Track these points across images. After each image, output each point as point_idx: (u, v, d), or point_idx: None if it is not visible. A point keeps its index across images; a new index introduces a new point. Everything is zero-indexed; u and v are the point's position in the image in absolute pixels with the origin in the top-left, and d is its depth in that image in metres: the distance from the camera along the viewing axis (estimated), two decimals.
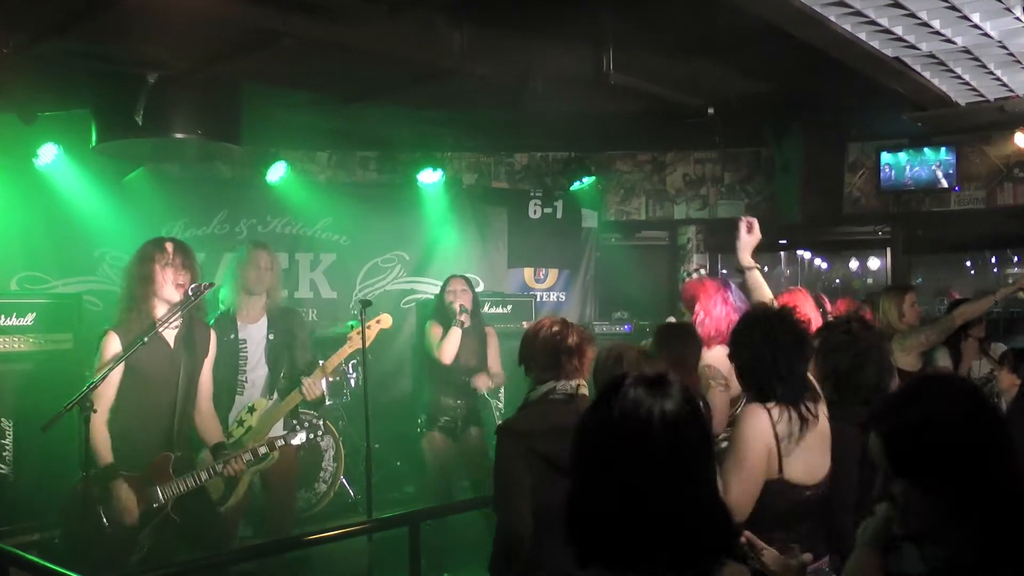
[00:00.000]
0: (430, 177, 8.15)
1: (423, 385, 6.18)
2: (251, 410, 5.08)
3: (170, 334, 4.39)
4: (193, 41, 4.91)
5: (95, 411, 4.04)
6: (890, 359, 3.89)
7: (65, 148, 6.66)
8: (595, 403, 1.89)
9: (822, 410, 3.20)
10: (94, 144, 5.76)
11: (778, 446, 3.01)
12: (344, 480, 6.77)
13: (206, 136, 5.71)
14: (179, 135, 5.62)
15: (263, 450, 4.58)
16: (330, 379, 6.88)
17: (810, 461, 3.08)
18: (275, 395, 5.31)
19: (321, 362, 5.44)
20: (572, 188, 8.77)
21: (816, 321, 4.57)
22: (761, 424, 3.03)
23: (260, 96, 6.09)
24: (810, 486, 3.08)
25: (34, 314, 6.06)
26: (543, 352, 3.49)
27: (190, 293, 4.31)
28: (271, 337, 5.34)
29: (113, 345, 4.26)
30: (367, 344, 5.24)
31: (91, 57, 5.17)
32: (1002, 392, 4.99)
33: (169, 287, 4.33)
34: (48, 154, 6.68)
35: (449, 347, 5.86)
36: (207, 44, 4.96)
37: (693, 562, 1.72)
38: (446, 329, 5.93)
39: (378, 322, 5.44)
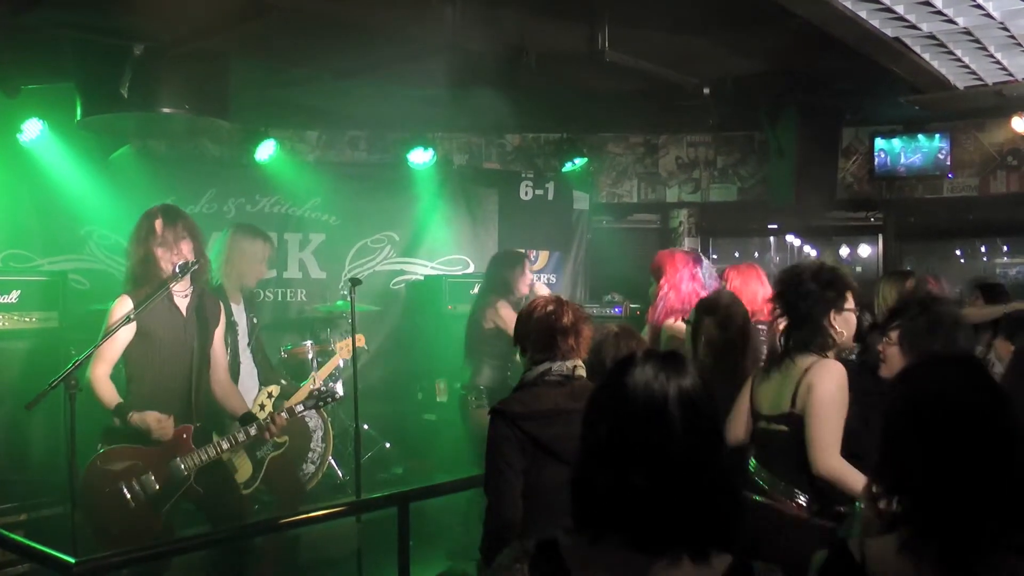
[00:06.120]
0: (420, 157, 8.07)
1: (470, 360, 6.00)
2: (269, 395, 5.09)
3: (182, 303, 4.37)
4: (179, 11, 4.82)
5: (79, 389, 3.99)
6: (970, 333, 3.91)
7: (50, 124, 6.55)
8: (604, 379, 1.90)
9: (809, 360, 3.39)
10: (79, 118, 5.64)
11: (755, 377, 3.60)
12: (333, 460, 6.73)
13: (194, 111, 5.59)
14: (166, 109, 5.50)
15: (285, 416, 4.59)
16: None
17: (768, 393, 3.48)
18: (257, 382, 5.42)
19: (314, 373, 5.92)
20: (564, 170, 8.69)
21: (765, 293, 5.03)
22: None
23: (249, 72, 5.99)
24: (764, 415, 3.48)
25: (18, 292, 5.99)
26: (537, 332, 3.45)
27: (177, 270, 4.27)
28: (254, 320, 5.48)
29: (124, 307, 4.23)
30: (346, 356, 5.39)
31: (75, 27, 5.08)
32: (1000, 359, 5.00)
33: (167, 265, 4.32)
34: (33, 130, 6.57)
35: None
36: (194, 14, 4.86)
37: (682, 542, 1.72)
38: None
39: (359, 342, 5.91)
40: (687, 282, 5.16)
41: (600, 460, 1.78)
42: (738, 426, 3.60)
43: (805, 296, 3.43)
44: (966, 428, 1.82)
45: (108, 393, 4.19)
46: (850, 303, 3.50)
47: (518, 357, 3.59)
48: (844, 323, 3.47)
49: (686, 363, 1.84)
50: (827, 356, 3.43)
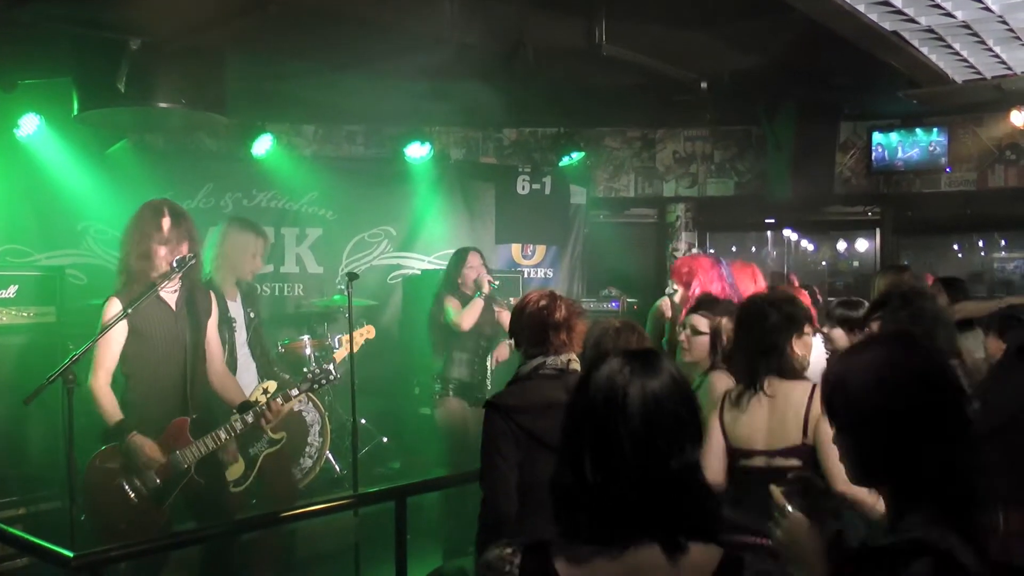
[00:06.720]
0: (417, 152, 8.07)
1: (437, 355, 6.25)
2: (265, 391, 5.08)
3: (171, 297, 4.36)
4: (176, 5, 4.81)
5: (77, 384, 3.99)
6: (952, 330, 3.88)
7: (47, 119, 6.55)
8: (580, 378, 1.91)
9: (794, 387, 3.37)
10: (76, 113, 5.64)
11: (722, 413, 3.45)
12: (330, 455, 6.74)
13: (190, 106, 5.59)
14: (163, 104, 5.49)
15: (281, 401, 4.58)
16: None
17: (758, 427, 3.36)
18: (257, 377, 5.42)
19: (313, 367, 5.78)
20: (561, 164, 8.70)
21: (756, 291, 5.06)
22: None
23: (246, 66, 5.98)
24: (762, 452, 3.34)
25: (16, 286, 5.99)
26: (530, 327, 3.44)
27: (174, 265, 4.27)
28: (252, 315, 5.48)
29: (115, 309, 4.21)
30: (353, 350, 5.48)
31: (72, 22, 5.06)
32: (991, 357, 4.98)
33: (164, 263, 4.30)
34: (30, 125, 6.57)
35: (470, 315, 6.03)
36: (191, 9, 4.86)
37: (649, 533, 1.72)
38: (466, 301, 6.11)
39: (365, 333, 6.28)
40: (716, 282, 5.24)
41: (563, 455, 1.81)
42: (714, 466, 3.37)
43: (771, 329, 3.44)
44: (932, 398, 1.82)
45: (110, 407, 4.16)
46: (808, 329, 3.55)
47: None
48: (803, 347, 3.52)
49: (659, 361, 1.84)
50: (808, 380, 3.42)
